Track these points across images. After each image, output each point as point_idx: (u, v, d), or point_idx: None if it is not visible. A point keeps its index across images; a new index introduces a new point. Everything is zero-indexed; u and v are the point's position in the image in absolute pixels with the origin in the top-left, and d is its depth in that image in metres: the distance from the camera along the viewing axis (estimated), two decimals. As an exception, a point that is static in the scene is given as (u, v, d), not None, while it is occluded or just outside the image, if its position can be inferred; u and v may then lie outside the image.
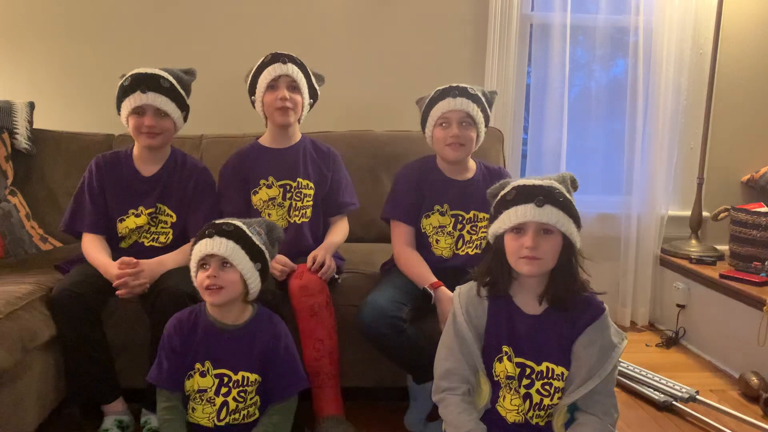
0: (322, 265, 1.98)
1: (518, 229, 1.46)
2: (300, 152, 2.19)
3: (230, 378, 1.64)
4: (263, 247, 1.67)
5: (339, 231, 2.21)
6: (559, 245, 1.46)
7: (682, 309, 2.88)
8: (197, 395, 1.65)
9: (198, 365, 1.64)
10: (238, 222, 1.65)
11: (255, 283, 1.65)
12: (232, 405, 1.64)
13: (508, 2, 2.90)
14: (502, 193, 1.52)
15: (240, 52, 2.76)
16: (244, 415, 1.66)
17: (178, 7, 2.86)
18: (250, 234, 1.65)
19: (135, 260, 1.89)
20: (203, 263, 1.61)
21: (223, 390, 1.64)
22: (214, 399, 1.64)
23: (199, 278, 1.61)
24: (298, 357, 1.75)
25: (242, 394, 1.65)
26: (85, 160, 2.16)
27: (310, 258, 2.00)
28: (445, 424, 1.53)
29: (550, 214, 1.43)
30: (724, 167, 3.13)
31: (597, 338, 1.48)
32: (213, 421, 1.64)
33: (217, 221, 1.65)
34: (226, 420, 1.64)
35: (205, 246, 1.60)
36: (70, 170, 2.45)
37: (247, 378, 1.65)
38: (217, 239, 1.59)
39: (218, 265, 1.59)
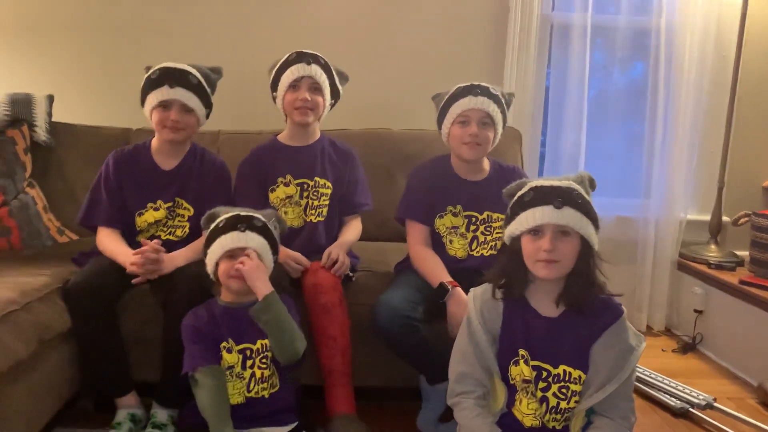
0: (335, 263, 1.97)
1: (536, 231, 1.44)
2: (318, 151, 2.19)
3: (251, 350, 1.73)
4: (278, 240, 1.80)
5: (352, 230, 2.21)
6: (577, 247, 1.43)
7: (700, 315, 2.84)
8: (227, 373, 1.72)
9: (223, 344, 1.73)
10: (261, 217, 1.76)
11: (270, 264, 1.77)
12: (258, 373, 1.73)
13: (528, 2, 2.87)
14: (520, 193, 1.49)
15: (259, 48, 2.77)
16: (270, 384, 1.74)
17: (197, 4, 2.86)
18: (272, 229, 1.78)
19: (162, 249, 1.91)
20: (231, 255, 1.70)
21: (248, 363, 1.73)
22: (242, 373, 1.73)
23: (224, 267, 1.71)
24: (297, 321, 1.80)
25: (264, 360, 1.74)
26: (103, 153, 2.16)
27: (325, 255, 2.00)
28: (459, 427, 1.52)
29: (568, 216, 1.40)
30: (745, 172, 3.08)
31: (615, 341, 1.45)
32: (243, 393, 1.73)
33: (242, 213, 1.73)
34: (255, 389, 1.73)
35: (236, 240, 1.69)
36: (88, 163, 2.46)
37: (265, 345, 1.73)
38: (249, 234, 1.71)
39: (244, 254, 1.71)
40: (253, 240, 1.71)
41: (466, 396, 1.52)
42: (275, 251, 1.78)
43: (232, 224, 1.71)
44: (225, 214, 1.75)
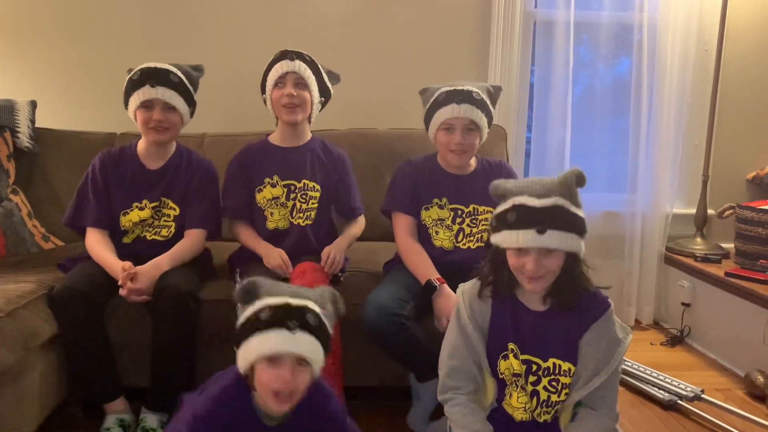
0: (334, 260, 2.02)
1: (520, 249, 1.43)
2: (308, 153, 2.18)
3: None
4: (330, 332, 1.38)
5: (357, 227, 2.25)
6: (562, 260, 1.43)
7: (687, 307, 2.86)
8: None
9: None
10: (317, 308, 1.34)
11: (318, 370, 1.36)
12: None
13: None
14: (502, 209, 1.46)
15: (243, 50, 2.76)
16: None
17: (180, 6, 2.85)
18: (327, 322, 1.36)
19: (132, 267, 1.89)
20: (272, 360, 1.29)
21: None
22: None
23: (265, 378, 1.30)
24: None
25: None
26: (87, 158, 2.15)
27: (324, 254, 2.03)
28: (450, 423, 1.52)
29: (552, 239, 1.39)
30: (729, 164, 3.11)
31: (603, 334, 1.47)
32: None
33: (294, 303, 1.32)
34: None
35: (283, 343, 1.28)
36: (72, 169, 2.44)
37: None
38: (300, 336, 1.29)
39: (294, 365, 1.30)
40: (305, 344, 1.29)
41: (457, 392, 1.52)
42: (327, 351, 1.36)
43: (280, 319, 1.29)
44: (270, 297, 1.32)
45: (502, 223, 1.45)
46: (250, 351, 1.29)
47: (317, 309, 1.34)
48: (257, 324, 1.30)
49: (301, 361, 1.30)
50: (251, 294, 1.34)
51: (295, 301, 1.32)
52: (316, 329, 1.31)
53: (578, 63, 3.02)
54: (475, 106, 1.96)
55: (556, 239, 1.39)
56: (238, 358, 1.33)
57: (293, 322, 1.29)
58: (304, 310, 1.31)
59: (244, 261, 2.11)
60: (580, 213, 1.44)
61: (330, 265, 2.01)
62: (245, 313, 1.33)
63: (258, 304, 1.32)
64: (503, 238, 1.45)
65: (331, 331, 1.37)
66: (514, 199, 1.44)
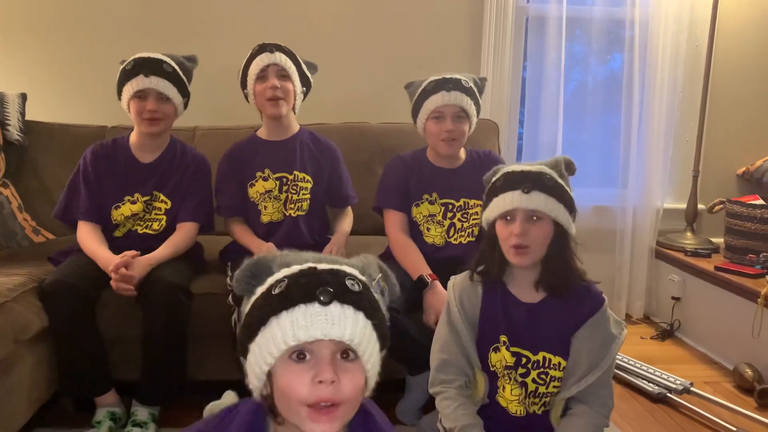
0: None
1: (507, 217, 1.44)
2: (297, 145, 2.18)
3: None
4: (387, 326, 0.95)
5: (348, 221, 2.25)
6: (549, 232, 1.44)
7: (677, 301, 2.88)
8: None
9: None
10: (358, 273, 0.93)
11: (374, 377, 0.94)
12: None
13: (503, -6, 2.88)
14: (493, 179, 1.51)
15: (234, 43, 2.73)
16: None
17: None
18: (379, 297, 0.95)
19: (131, 255, 1.88)
20: (300, 352, 0.86)
21: None
22: None
23: (296, 384, 0.86)
24: None
25: None
26: (78, 151, 2.14)
27: (326, 252, 2.03)
28: (441, 416, 1.52)
29: (537, 200, 1.41)
30: (719, 160, 3.13)
31: (597, 331, 1.46)
32: None
33: (321, 266, 0.91)
34: None
35: (309, 326, 0.84)
36: (63, 162, 2.43)
37: None
38: (337, 309, 0.86)
39: (333, 358, 0.87)
40: (347, 323, 0.86)
41: (448, 385, 1.51)
42: (384, 343, 0.93)
43: (304, 289, 0.87)
44: (290, 265, 0.93)
45: (491, 192, 1.48)
46: (263, 350, 0.87)
47: (359, 275, 0.93)
48: (270, 304, 0.87)
49: (347, 353, 0.88)
50: (260, 277, 0.94)
51: (323, 265, 0.90)
52: (361, 303, 0.88)
53: (571, 59, 3.03)
54: (465, 93, 1.96)
55: (542, 201, 1.41)
56: (248, 371, 0.91)
57: (325, 292, 0.85)
58: (340, 274, 0.89)
59: (235, 255, 2.11)
60: (569, 190, 1.47)
61: (335, 254, 2.03)
62: (250, 301, 0.93)
63: (269, 281, 0.91)
64: (492, 208, 1.47)
65: (385, 313, 0.94)
66: (504, 168, 1.50)
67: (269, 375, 0.88)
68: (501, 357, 1.49)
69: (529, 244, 1.42)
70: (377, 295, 0.93)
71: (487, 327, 1.51)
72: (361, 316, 0.87)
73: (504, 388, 1.50)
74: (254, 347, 0.88)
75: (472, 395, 1.53)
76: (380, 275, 0.97)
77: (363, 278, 0.92)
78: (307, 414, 0.85)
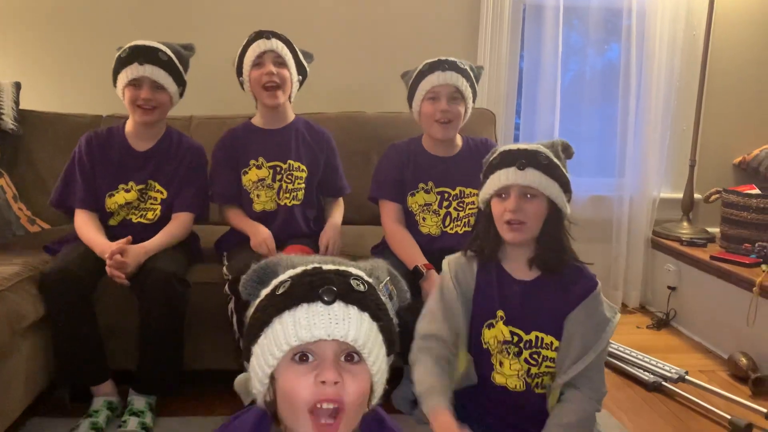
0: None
1: (502, 194, 1.46)
2: (292, 133, 2.17)
3: None
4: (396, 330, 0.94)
5: (339, 212, 2.25)
6: (543, 210, 1.45)
7: (673, 291, 2.89)
8: None
9: None
10: (364, 275, 0.92)
11: (382, 385, 0.91)
12: None
13: (500, -18, 2.87)
14: (490, 158, 1.52)
15: (230, 32, 2.70)
16: None
17: (166, -13, 2.82)
18: (386, 300, 0.93)
19: (125, 241, 1.87)
20: (301, 353, 0.85)
21: None
22: None
23: (305, 390, 0.83)
24: None
25: None
26: (73, 141, 2.13)
27: (323, 239, 2.06)
28: (413, 383, 1.46)
29: (531, 177, 1.43)
30: (716, 149, 3.13)
31: (590, 314, 1.46)
32: None
33: (326, 267, 0.90)
34: None
35: (311, 326, 0.83)
36: (58, 151, 2.41)
37: None
38: (340, 309, 0.84)
39: (336, 362, 0.84)
40: (351, 323, 0.84)
41: (426, 352, 1.47)
42: (392, 349, 0.92)
43: (308, 288, 0.85)
44: (296, 266, 0.92)
45: (488, 170, 1.50)
46: (265, 351, 0.85)
47: (366, 276, 0.91)
48: (273, 305, 0.86)
49: (351, 355, 0.85)
50: (267, 282, 0.92)
51: (329, 266, 0.90)
52: (366, 303, 0.86)
53: (568, 48, 3.02)
54: (461, 74, 1.96)
55: (536, 178, 1.43)
56: (251, 375, 0.88)
57: (328, 291, 0.84)
58: (345, 274, 0.88)
59: (231, 245, 2.10)
60: (565, 171, 1.48)
61: (332, 246, 2.04)
62: (254, 303, 0.92)
63: (274, 283, 0.90)
64: (488, 186, 1.49)
65: (394, 317, 0.92)
66: (501, 148, 1.52)
67: (272, 379, 0.86)
68: (496, 332, 1.49)
69: (524, 221, 1.43)
70: (385, 299, 0.92)
71: (483, 303, 1.51)
72: (366, 316, 0.85)
73: (502, 363, 1.49)
74: (257, 349, 0.86)
75: (450, 373, 1.50)
76: (388, 278, 0.95)
77: (369, 279, 0.91)
78: (310, 426, 0.83)
